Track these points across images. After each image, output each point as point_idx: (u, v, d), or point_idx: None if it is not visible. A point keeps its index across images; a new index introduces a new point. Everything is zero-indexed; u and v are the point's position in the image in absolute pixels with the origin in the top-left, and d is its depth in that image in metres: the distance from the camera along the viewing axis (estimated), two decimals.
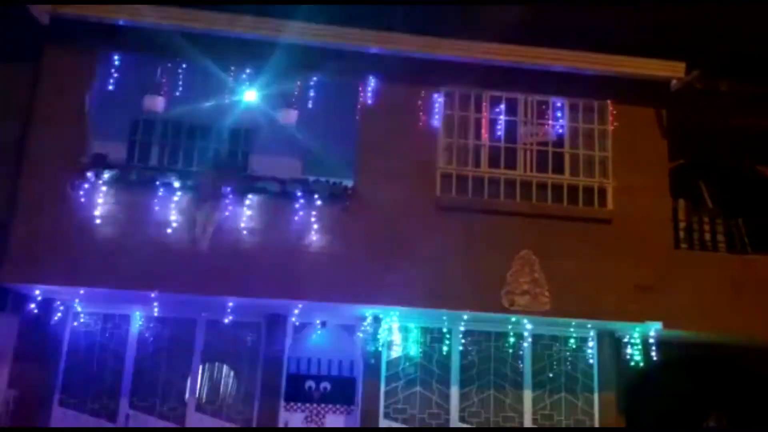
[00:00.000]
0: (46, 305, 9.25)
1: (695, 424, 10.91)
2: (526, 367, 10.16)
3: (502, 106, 9.94)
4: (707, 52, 9.85)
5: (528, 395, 10.07)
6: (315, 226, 9.03)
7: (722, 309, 9.57)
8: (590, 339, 10.21)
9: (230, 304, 9.27)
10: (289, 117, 9.49)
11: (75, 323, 9.75)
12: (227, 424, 9.67)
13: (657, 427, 10.50)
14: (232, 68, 9.36)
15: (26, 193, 8.74)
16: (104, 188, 8.83)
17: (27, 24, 9.18)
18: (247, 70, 9.41)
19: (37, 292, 9.03)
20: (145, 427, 9.44)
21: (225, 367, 9.96)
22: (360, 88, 9.58)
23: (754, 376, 10.83)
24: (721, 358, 10.71)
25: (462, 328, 10.02)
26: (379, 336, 9.55)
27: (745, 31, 10.13)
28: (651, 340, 9.84)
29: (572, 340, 10.24)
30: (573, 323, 9.79)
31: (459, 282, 9.15)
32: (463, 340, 10.08)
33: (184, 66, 9.32)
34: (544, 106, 10.02)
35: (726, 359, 10.72)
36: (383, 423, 9.71)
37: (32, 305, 9.11)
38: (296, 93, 9.49)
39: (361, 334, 9.80)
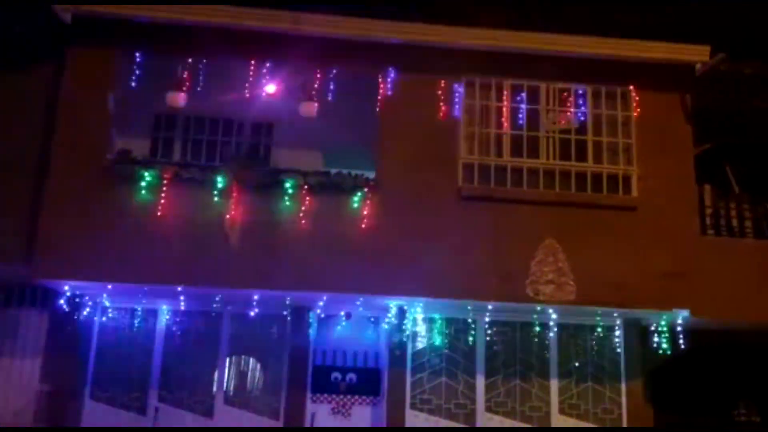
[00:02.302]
0: (75, 301, 9.36)
1: (724, 413, 10.80)
2: (552, 356, 10.13)
3: (524, 94, 9.86)
4: (732, 34, 9.70)
5: (554, 385, 10.04)
6: (338, 219, 9.04)
7: (750, 296, 9.46)
8: (616, 327, 10.15)
9: (255, 297, 9.34)
10: (310, 110, 9.50)
11: (103, 318, 9.89)
12: (255, 417, 9.76)
13: (682, 420, 10.40)
14: (253, 62, 9.39)
15: (52, 190, 8.84)
16: (129, 184, 8.91)
17: (50, 23, 9.29)
18: (267, 64, 9.44)
19: (66, 288, 9.16)
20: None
21: (251, 360, 10.05)
22: (380, 80, 9.56)
23: None
24: (750, 345, 10.58)
25: (487, 319, 10.01)
26: (404, 327, 9.55)
27: None
28: (678, 328, 9.76)
29: (598, 329, 10.19)
30: (599, 312, 9.73)
31: (483, 272, 9.12)
32: (488, 331, 10.07)
33: (204, 61, 9.36)
34: (566, 94, 9.92)
35: (754, 347, 10.59)
36: (409, 413, 9.75)
37: (61, 301, 9.24)
38: (316, 86, 9.49)
39: (386, 326, 9.83)
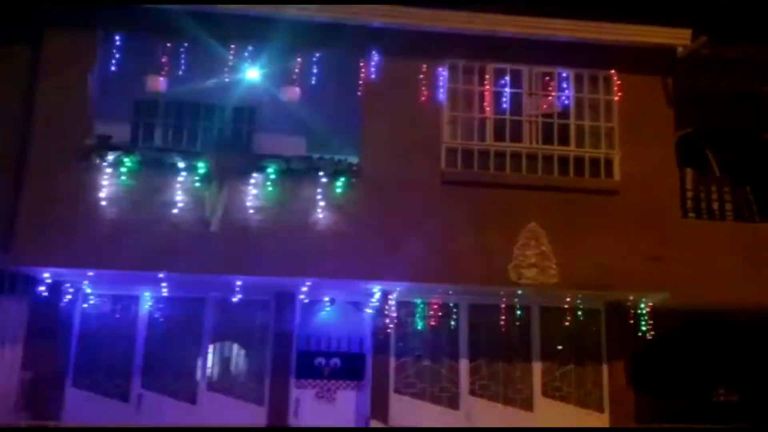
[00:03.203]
0: (56, 288, 9.31)
1: (704, 394, 10.95)
2: (535, 339, 10.21)
3: (507, 78, 9.85)
4: (713, 18, 9.72)
5: (537, 367, 10.14)
6: (321, 204, 9.01)
7: (730, 278, 9.57)
8: (598, 310, 10.24)
9: (239, 282, 9.30)
10: (292, 94, 9.43)
11: (85, 305, 9.83)
12: (239, 402, 9.75)
13: (667, 403, 10.52)
14: (234, 46, 9.28)
15: (31, 176, 8.73)
16: (109, 170, 8.82)
17: (27, 6, 9.12)
18: (249, 48, 9.33)
19: (46, 275, 9.07)
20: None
21: (235, 346, 10.04)
22: (362, 64, 9.50)
23: (763, 344, 10.84)
24: (729, 327, 10.72)
25: (470, 302, 10.04)
26: (387, 312, 9.57)
27: None
28: (659, 311, 9.85)
29: (580, 312, 10.26)
30: (581, 295, 9.79)
31: (466, 256, 9.14)
32: (471, 314, 10.11)
33: (185, 45, 9.25)
34: (548, 78, 9.92)
35: (734, 328, 10.73)
36: (393, 397, 9.79)
37: (41, 288, 9.15)
38: (298, 70, 9.42)
39: (369, 310, 9.84)
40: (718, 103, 10.71)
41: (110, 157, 8.83)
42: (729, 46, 9.86)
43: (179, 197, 8.82)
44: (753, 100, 10.64)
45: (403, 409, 9.80)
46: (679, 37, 9.79)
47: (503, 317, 10.04)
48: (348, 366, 10.00)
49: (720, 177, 10.81)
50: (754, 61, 10.05)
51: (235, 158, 9.18)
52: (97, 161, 8.81)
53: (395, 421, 9.70)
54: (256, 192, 8.98)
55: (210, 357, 9.94)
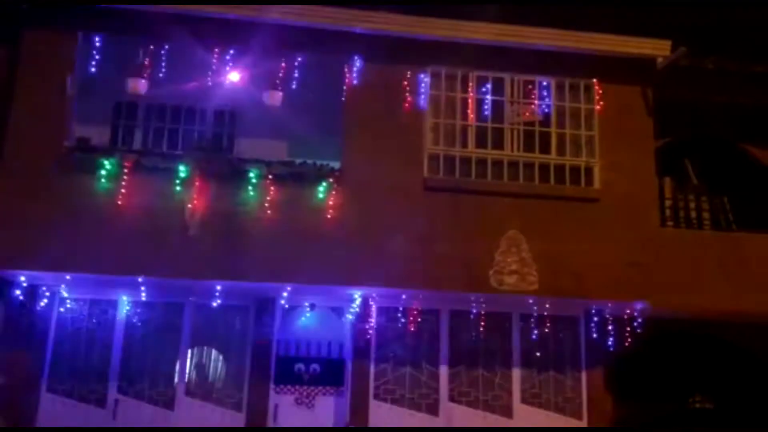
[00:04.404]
0: (32, 291, 9.17)
1: (680, 401, 11.05)
2: (515, 346, 10.23)
3: (489, 86, 9.90)
4: (693, 29, 9.85)
5: (517, 374, 10.15)
6: (302, 209, 8.97)
7: (708, 287, 9.67)
8: (578, 317, 10.29)
9: (218, 287, 9.22)
10: (274, 98, 9.40)
11: (61, 309, 9.68)
12: (217, 408, 9.66)
13: (644, 408, 10.60)
14: (216, 49, 9.23)
15: (8, 178, 8.60)
16: (89, 173, 8.70)
17: (4, 6, 9.00)
18: (231, 51, 9.29)
19: (23, 278, 8.93)
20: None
21: (214, 351, 9.94)
22: (345, 69, 9.48)
23: (740, 353, 10.96)
24: (707, 335, 10.82)
25: (450, 308, 10.05)
26: (367, 317, 9.55)
27: (731, 7, 10.13)
28: (638, 318, 9.93)
29: (560, 319, 10.30)
30: (561, 302, 9.83)
31: (447, 262, 9.15)
32: (452, 320, 10.12)
33: (166, 47, 9.18)
34: (530, 86, 9.98)
35: (712, 337, 10.84)
36: (373, 404, 9.75)
37: (17, 292, 9.00)
38: (281, 74, 9.39)
39: (350, 316, 9.81)
40: (697, 113, 10.84)
41: (89, 160, 8.73)
42: (708, 58, 9.98)
43: (159, 201, 8.73)
44: (732, 110, 10.78)
45: (383, 415, 9.76)
46: (658, 48, 9.89)
47: (483, 324, 10.06)
48: (328, 372, 9.95)
49: (698, 186, 10.94)
50: (733, 72, 10.18)
51: (216, 162, 9.12)
52: (76, 164, 8.70)
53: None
54: (236, 196, 8.91)
55: (188, 362, 9.84)
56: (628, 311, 9.90)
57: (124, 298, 9.75)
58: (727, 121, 11.01)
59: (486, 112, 9.83)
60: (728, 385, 11.06)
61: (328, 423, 9.82)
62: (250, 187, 8.94)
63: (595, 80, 9.95)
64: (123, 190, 8.72)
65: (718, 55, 10.02)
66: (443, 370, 10.02)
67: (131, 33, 9.15)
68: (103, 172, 8.70)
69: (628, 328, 9.96)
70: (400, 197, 9.26)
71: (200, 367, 9.87)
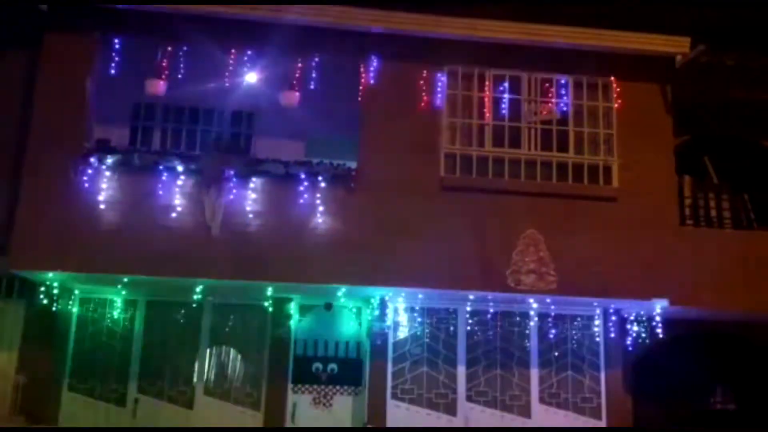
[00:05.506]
0: (53, 292, 9.25)
1: (701, 402, 10.95)
2: (533, 345, 10.19)
3: (506, 85, 9.86)
4: (712, 26, 9.74)
5: (535, 374, 10.11)
6: (320, 209, 8.99)
7: (728, 285, 9.55)
8: (596, 317, 10.23)
9: (236, 287, 9.26)
10: (291, 99, 9.43)
11: (82, 309, 9.78)
12: (236, 407, 9.72)
13: (664, 409, 10.51)
14: (233, 50, 9.28)
15: (30, 180, 8.70)
16: (108, 173, 8.79)
17: (26, 9, 9.11)
18: (248, 52, 9.33)
19: (44, 279, 9.03)
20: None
21: (232, 351, 9.99)
22: (362, 69, 9.49)
23: (761, 352, 10.84)
24: (728, 334, 10.72)
25: (468, 308, 10.03)
26: (385, 317, 9.55)
27: (750, 3, 10.00)
28: (657, 318, 9.85)
29: (578, 319, 10.26)
30: (579, 301, 9.78)
31: (465, 262, 9.13)
32: (469, 320, 10.10)
33: (184, 49, 9.25)
34: (547, 84, 9.93)
35: (732, 335, 10.73)
36: (390, 403, 9.76)
37: (39, 292, 9.10)
38: (298, 75, 9.42)
39: (367, 316, 9.81)
40: (717, 111, 10.73)
41: (109, 160, 8.82)
42: (728, 54, 9.87)
43: (178, 201, 8.80)
44: (751, 107, 10.65)
45: (401, 415, 9.76)
46: (678, 45, 9.80)
47: (501, 323, 10.02)
48: (345, 371, 9.97)
49: (718, 184, 10.81)
50: (753, 69, 10.05)
51: (234, 163, 9.17)
52: (96, 165, 8.79)
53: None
54: (254, 197, 8.96)
55: (207, 362, 9.90)
56: (648, 310, 9.82)
57: (145, 298, 9.82)
58: (747, 118, 10.88)
59: (503, 111, 9.79)
60: (750, 385, 10.94)
61: (346, 423, 9.84)
62: (268, 188, 8.96)
63: (613, 78, 9.88)
64: (142, 191, 8.78)
65: (737, 51, 9.90)
66: (461, 370, 10.00)
67: (150, 35, 9.22)
68: (122, 173, 8.77)
69: (647, 328, 9.88)
70: (417, 197, 9.25)
71: (219, 367, 9.93)
